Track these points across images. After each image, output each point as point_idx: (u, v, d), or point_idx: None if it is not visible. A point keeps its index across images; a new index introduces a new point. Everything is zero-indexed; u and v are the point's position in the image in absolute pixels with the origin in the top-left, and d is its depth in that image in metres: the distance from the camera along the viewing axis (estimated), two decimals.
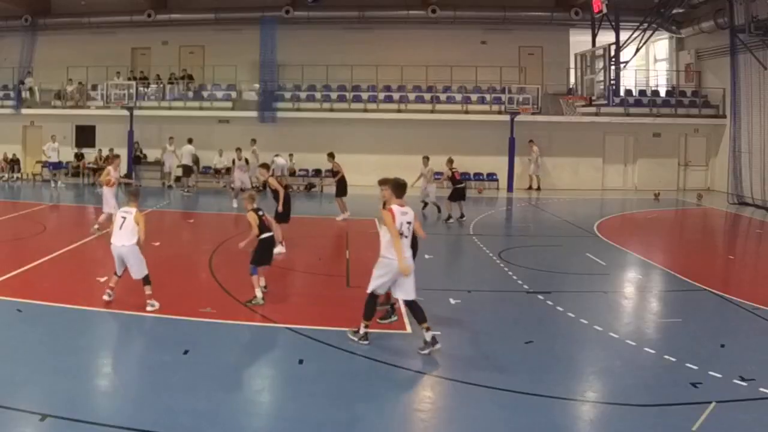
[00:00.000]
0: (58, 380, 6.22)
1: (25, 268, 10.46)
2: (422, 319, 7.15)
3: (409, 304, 7.28)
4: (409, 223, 7.09)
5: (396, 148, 24.21)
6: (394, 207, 7.06)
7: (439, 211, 17.18)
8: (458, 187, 16.94)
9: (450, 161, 17.36)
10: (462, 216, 16.75)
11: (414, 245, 7.50)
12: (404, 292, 7.20)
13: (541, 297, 9.62)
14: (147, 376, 6.43)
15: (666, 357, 7.14)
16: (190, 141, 23.58)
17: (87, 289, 9.59)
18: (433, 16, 25.30)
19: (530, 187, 24.96)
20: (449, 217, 16.59)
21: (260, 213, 9.13)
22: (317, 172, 25.18)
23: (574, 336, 8.08)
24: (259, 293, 8.89)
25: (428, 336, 7.07)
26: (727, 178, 22.28)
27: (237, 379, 6.58)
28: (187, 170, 23.50)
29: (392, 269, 7.09)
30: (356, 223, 15.51)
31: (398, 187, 7.22)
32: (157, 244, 12.93)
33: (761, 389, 6.24)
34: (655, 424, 5.65)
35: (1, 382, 6.10)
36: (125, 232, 8.51)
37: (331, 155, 16.75)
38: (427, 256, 12.70)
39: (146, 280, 8.61)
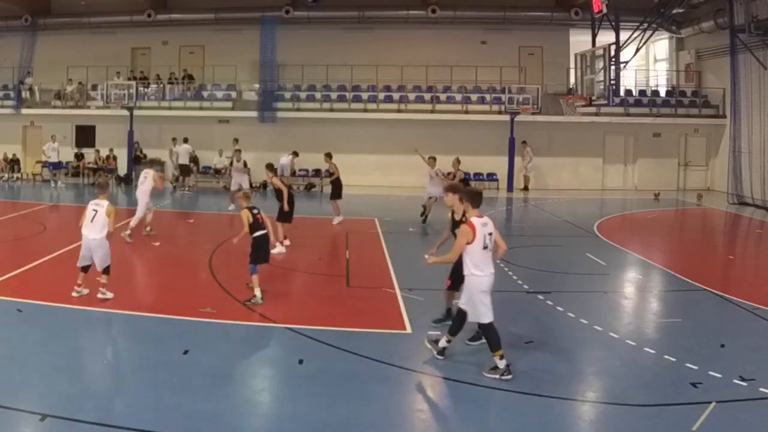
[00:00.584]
0: (58, 380, 6.22)
1: (25, 268, 10.47)
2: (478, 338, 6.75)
3: (485, 326, 6.68)
4: (490, 234, 6.59)
5: (396, 148, 24.19)
6: (474, 219, 6.58)
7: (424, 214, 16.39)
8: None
9: (457, 161, 16.69)
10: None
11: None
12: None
13: (541, 297, 9.62)
14: (147, 376, 6.43)
15: (666, 357, 7.14)
16: (186, 140, 23.53)
17: (87, 289, 9.58)
18: (433, 16, 25.30)
19: (525, 188, 24.97)
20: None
21: (255, 211, 9.16)
22: (317, 172, 25.17)
23: (574, 336, 8.08)
24: (258, 292, 8.92)
25: (502, 365, 6.50)
26: (727, 178, 22.27)
27: (237, 379, 6.57)
28: (186, 170, 23.49)
29: (486, 285, 6.57)
30: (356, 223, 15.51)
31: (475, 197, 6.78)
32: (157, 244, 12.95)
33: (761, 389, 6.24)
34: (655, 424, 5.65)
35: (1, 382, 6.10)
36: (96, 225, 8.69)
37: (328, 155, 16.24)
38: (426, 256, 12.70)
39: (106, 271, 8.82)
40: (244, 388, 6.45)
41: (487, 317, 6.58)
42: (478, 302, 6.56)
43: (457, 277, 7.19)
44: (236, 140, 22.39)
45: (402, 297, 9.37)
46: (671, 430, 5.54)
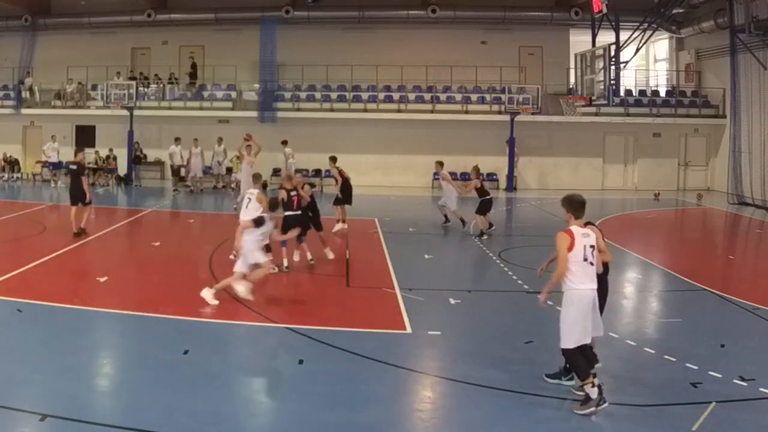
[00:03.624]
0: (58, 380, 6.22)
1: (25, 268, 10.46)
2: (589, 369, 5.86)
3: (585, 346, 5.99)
4: (592, 246, 5.93)
5: (396, 148, 24.22)
6: (574, 228, 5.96)
7: (463, 224, 15.37)
8: (485, 199, 14.95)
9: (476, 170, 15.52)
10: (491, 226, 15.08)
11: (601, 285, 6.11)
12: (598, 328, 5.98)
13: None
14: (147, 376, 6.42)
15: (666, 357, 7.14)
16: (177, 141, 23.44)
17: (87, 289, 9.59)
18: (433, 16, 25.30)
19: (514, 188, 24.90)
20: (482, 233, 14.65)
21: (292, 194, 10.80)
22: (317, 172, 25.17)
23: None
24: (285, 262, 10.54)
25: (594, 393, 5.70)
26: (727, 178, 22.27)
27: (237, 379, 6.57)
28: (177, 171, 23.50)
29: (586, 303, 5.84)
30: (356, 223, 15.49)
31: (578, 205, 6.11)
32: (157, 244, 12.95)
33: (761, 389, 6.24)
34: (655, 424, 5.65)
35: (1, 382, 6.10)
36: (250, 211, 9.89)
37: (332, 159, 15.25)
38: (426, 256, 12.73)
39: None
40: (244, 388, 6.45)
41: (568, 343, 5.86)
42: (572, 320, 5.88)
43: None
44: (220, 139, 22.36)
45: (402, 297, 9.36)
46: (671, 430, 5.54)
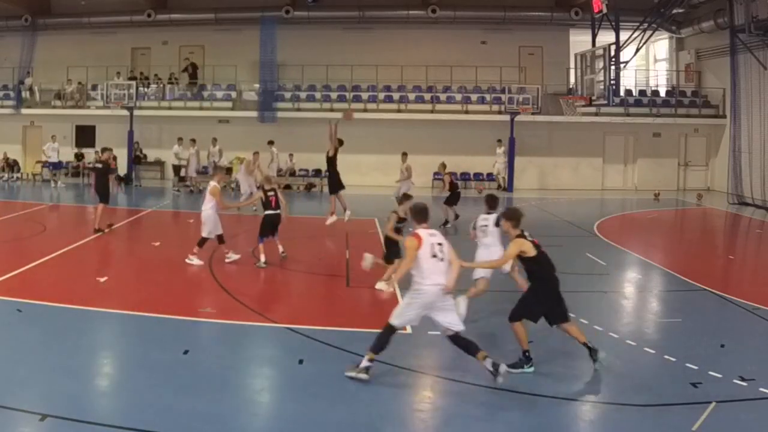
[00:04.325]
0: (58, 380, 6.22)
1: (25, 268, 10.46)
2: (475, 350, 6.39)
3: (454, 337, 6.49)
4: (440, 244, 6.44)
5: (396, 148, 24.11)
6: (420, 231, 6.53)
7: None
8: (455, 192, 16.40)
9: (444, 165, 17.01)
10: (457, 217, 16.06)
11: None
12: (450, 322, 6.43)
13: None
14: (147, 376, 6.42)
15: (666, 357, 7.14)
16: (179, 140, 23.42)
17: (87, 289, 9.59)
18: (433, 16, 25.30)
19: (499, 187, 24.81)
20: (446, 222, 15.83)
21: (270, 194, 11.19)
22: (317, 172, 25.16)
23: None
24: (262, 258, 10.81)
25: (366, 363, 6.40)
26: (727, 178, 22.27)
27: (237, 379, 6.57)
28: (178, 170, 23.50)
29: (430, 297, 6.35)
30: (356, 223, 15.49)
31: (420, 212, 6.77)
32: (157, 244, 12.94)
33: (761, 389, 6.24)
34: (655, 424, 5.65)
35: (1, 382, 6.10)
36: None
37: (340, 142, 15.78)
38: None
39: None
40: (244, 388, 6.45)
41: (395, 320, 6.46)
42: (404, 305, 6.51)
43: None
44: (215, 140, 22.22)
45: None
46: (671, 430, 5.54)
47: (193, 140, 23.08)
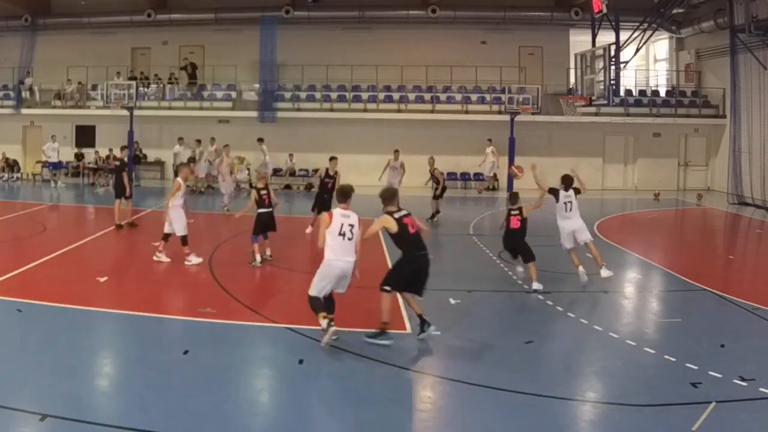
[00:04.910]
0: (58, 380, 6.21)
1: (25, 268, 10.46)
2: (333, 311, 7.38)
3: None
4: (351, 225, 7.24)
5: (396, 148, 24.15)
6: (336, 210, 7.35)
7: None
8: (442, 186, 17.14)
9: (433, 160, 17.45)
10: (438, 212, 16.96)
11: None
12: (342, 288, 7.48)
13: (541, 297, 9.62)
14: (147, 376, 6.42)
15: (666, 357, 7.13)
16: (180, 140, 23.40)
17: (87, 289, 9.59)
18: (433, 16, 25.30)
19: (489, 188, 24.74)
20: (433, 215, 16.68)
21: (263, 192, 11.11)
22: (317, 172, 25.13)
23: (574, 336, 8.08)
24: (258, 257, 10.87)
25: (324, 323, 7.18)
26: (727, 178, 22.28)
27: (237, 379, 6.57)
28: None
29: (336, 270, 7.22)
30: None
31: (342, 194, 7.59)
32: (158, 243, 12.93)
33: (761, 389, 6.24)
34: (655, 424, 5.65)
35: (1, 382, 6.10)
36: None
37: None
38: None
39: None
40: (244, 388, 6.45)
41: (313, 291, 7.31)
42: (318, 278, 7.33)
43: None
44: (213, 139, 22.05)
45: (402, 297, 9.34)
46: (671, 430, 5.54)
47: (198, 140, 23.08)
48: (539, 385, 6.32)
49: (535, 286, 9.85)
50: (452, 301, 9.29)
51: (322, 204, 13.79)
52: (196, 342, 7.44)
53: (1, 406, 5.53)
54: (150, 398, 5.90)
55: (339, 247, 7.17)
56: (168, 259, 11.23)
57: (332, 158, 14.64)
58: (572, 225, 10.69)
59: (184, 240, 11.29)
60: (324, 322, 7.12)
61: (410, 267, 7.48)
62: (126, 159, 15.84)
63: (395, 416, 5.84)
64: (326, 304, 7.30)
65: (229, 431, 5.43)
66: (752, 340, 7.87)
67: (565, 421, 5.76)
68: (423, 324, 7.53)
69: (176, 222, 11.25)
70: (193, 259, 11.24)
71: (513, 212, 10.64)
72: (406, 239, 7.44)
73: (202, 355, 7.06)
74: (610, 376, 6.79)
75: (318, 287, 7.28)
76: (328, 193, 13.91)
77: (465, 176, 25.52)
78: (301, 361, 6.92)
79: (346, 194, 7.49)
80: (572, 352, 7.55)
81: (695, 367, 6.77)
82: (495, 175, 24.99)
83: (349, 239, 7.21)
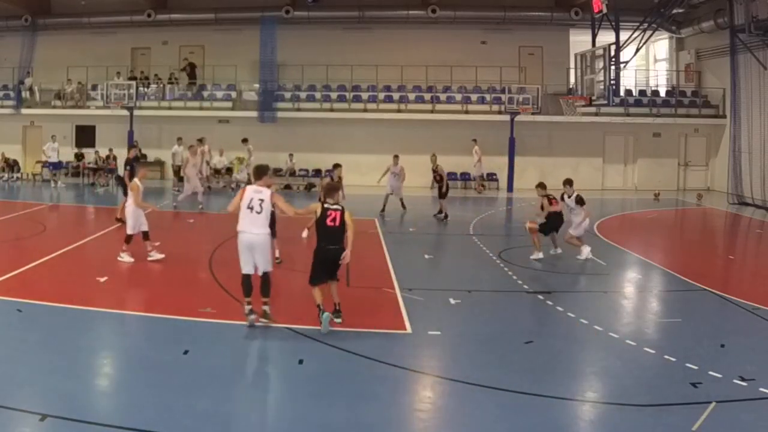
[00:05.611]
0: (58, 380, 6.21)
1: (25, 268, 10.46)
2: (268, 293, 7.94)
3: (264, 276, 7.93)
4: (261, 200, 7.73)
5: (396, 148, 24.12)
6: (249, 186, 7.93)
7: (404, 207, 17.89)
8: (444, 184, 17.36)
9: (435, 157, 17.66)
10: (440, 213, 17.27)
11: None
12: (262, 265, 7.89)
13: (541, 297, 9.62)
14: (147, 376, 6.42)
15: (666, 357, 7.14)
16: (179, 140, 23.40)
17: (87, 289, 9.59)
18: (433, 16, 25.30)
19: (481, 187, 24.68)
20: (445, 215, 17.01)
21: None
22: (317, 172, 25.17)
23: (574, 336, 8.07)
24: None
25: (246, 309, 7.84)
26: (727, 178, 22.28)
27: (237, 379, 6.57)
28: (178, 171, 23.48)
29: (244, 242, 7.78)
30: (356, 223, 15.48)
31: (255, 172, 8.19)
32: (157, 243, 12.92)
33: (761, 389, 6.24)
34: (655, 424, 5.65)
35: (1, 382, 6.10)
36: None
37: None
38: (426, 256, 12.76)
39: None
40: (244, 388, 6.45)
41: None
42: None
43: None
44: (203, 139, 22.00)
45: (402, 297, 9.36)
46: (671, 430, 5.54)
47: (200, 140, 23.06)
48: (539, 385, 6.32)
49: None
50: (452, 301, 9.28)
51: None
52: (196, 342, 7.43)
53: (1, 406, 5.53)
54: (150, 398, 5.90)
55: (248, 219, 7.67)
56: (131, 259, 11.19)
57: (337, 165, 14.70)
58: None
59: (145, 235, 11.40)
60: (246, 308, 7.79)
61: (319, 258, 7.85)
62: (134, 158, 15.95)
63: (395, 416, 5.85)
64: (264, 288, 7.87)
65: (229, 431, 5.42)
66: (752, 340, 7.87)
67: (565, 421, 5.76)
68: (335, 312, 8.02)
69: (130, 218, 11.28)
70: (155, 255, 11.30)
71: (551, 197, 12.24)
72: (323, 229, 7.81)
73: (202, 355, 7.06)
74: (610, 376, 6.79)
75: (241, 260, 7.83)
76: None
77: (465, 176, 25.51)
78: (301, 361, 6.92)
79: (262, 172, 8.05)
80: (572, 352, 7.55)
81: (695, 367, 6.77)
82: (483, 175, 24.99)
83: (258, 213, 7.68)
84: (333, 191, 8.17)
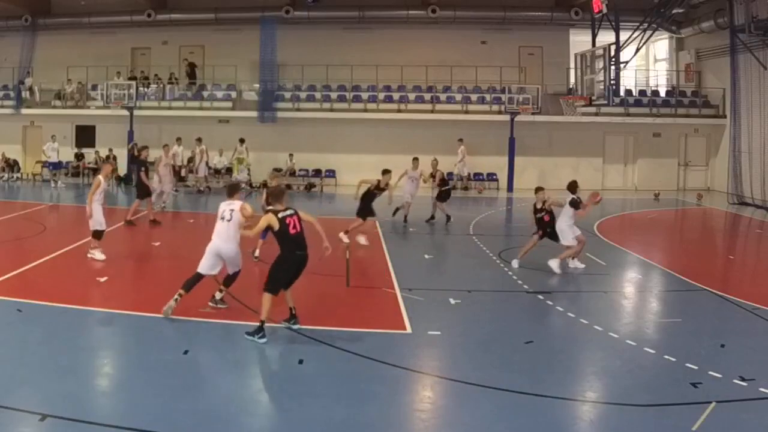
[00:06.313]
0: (58, 380, 6.21)
1: (25, 268, 10.45)
2: (228, 285, 8.46)
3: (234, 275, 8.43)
4: (231, 210, 8.17)
5: (396, 148, 24.18)
6: (224, 203, 8.39)
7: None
8: (446, 189, 17.00)
9: (436, 162, 17.57)
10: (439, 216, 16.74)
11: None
12: (231, 267, 8.41)
13: (541, 297, 9.63)
14: (147, 376, 6.42)
15: (666, 357, 7.14)
16: (179, 141, 23.38)
17: (87, 289, 9.59)
18: (433, 16, 25.30)
19: (464, 188, 24.60)
20: (447, 217, 16.47)
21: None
22: (317, 172, 25.17)
23: (574, 336, 8.08)
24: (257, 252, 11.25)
25: (218, 295, 8.49)
26: (727, 178, 22.28)
27: (237, 379, 6.57)
28: (178, 171, 23.48)
29: (212, 248, 8.24)
30: (356, 223, 15.48)
31: (229, 190, 8.71)
32: (157, 244, 12.95)
33: (761, 389, 6.24)
34: (655, 424, 5.65)
35: (1, 382, 6.10)
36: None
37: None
38: (426, 256, 12.76)
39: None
40: (244, 388, 6.45)
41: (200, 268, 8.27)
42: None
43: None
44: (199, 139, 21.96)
45: (402, 297, 9.36)
46: (671, 430, 5.55)
47: (199, 139, 23.09)
48: (539, 385, 6.32)
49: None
50: (452, 301, 9.29)
51: (370, 211, 13.68)
52: (196, 342, 7.44)
53: (1, 406, 5.53)
54: (150, 398, 5.90)
55: (221, 229, 8.19)
56: (103, 257, 11.12)
57: (386, 171, 14.17)
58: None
59: (97, 234, 11.27)
60: (172, 300, 8.07)
61: (288, 266, 7.72)
62: (145, 158, 15.81)
63: (395, 416, 5.85)
64: (228, 280, 8.43)
65: (229, 431, 5.43)
66: (752, 340, 7.87)
67: (565, 421, 5.76)
68: (291, 318, 8.01)
69: (95, 216, 11.19)
70: (97, 255, 11.15)
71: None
72: (287, 238, 7.63)
73: (202, 355, 7.06)
74: (610, 376, 6.79)
75: (203, 265, 8.23)
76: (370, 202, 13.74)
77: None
78: (301, 361, 6.92)
79: (233, 191, 8.61)
80: (572, 352, 7.55)
81: (695, 367, 6.78)
82: (469, 174, 24.98)
83: (228, 220, 8.15)
84: (280, 195, 7.92)
